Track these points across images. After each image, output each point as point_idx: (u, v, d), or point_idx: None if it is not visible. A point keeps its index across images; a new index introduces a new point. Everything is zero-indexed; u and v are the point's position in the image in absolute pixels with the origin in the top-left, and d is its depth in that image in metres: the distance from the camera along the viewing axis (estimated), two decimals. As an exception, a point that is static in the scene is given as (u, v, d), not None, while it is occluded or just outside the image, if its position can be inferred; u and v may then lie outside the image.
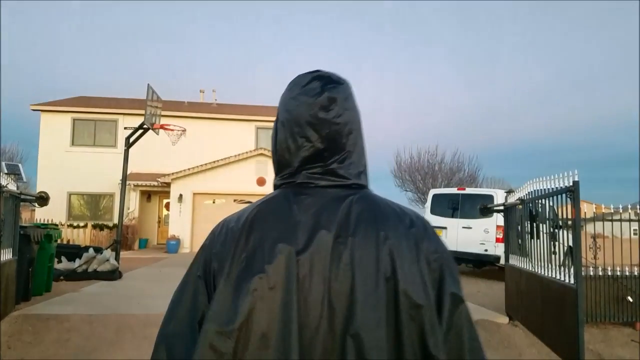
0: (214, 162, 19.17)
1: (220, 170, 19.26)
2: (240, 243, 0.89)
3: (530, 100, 63.86)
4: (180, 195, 19.00)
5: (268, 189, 19.05)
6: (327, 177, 0.96)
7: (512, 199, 6.84)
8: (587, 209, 6.77)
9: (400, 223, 0.92)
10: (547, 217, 5.65)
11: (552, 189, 5.27)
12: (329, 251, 0.87)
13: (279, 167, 1.01)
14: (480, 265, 12.54)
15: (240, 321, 0.82)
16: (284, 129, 0.99)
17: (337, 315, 0.83)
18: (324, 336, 0.83)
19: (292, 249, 0.87)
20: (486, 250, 11.41)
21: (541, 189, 5.62)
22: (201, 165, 19.12)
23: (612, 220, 7.40)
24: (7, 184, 5.94)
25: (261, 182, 18.98)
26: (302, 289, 0.85)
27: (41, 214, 18.59)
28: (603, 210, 7.48)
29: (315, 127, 0.95)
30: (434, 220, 12.88)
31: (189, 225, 18.95)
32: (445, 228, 12.47)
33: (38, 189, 18.80)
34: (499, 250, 10.85)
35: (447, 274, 0.90)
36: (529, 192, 6.06)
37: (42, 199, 7.32)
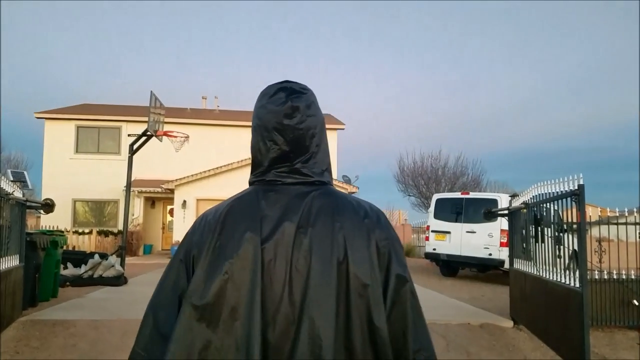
0: (216, 168, 19.23)
1: (223, 177, 19.31)
2: (215, 234, 1.05)
3: (533, 103, 63.84)
4: (184, 202, 19.05)
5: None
6: (292, 176, 1.11)
7: (517, 202, 6.85)
8: (592, 213, 6.77)
9: (355, 215, 1.07)
10: (552, 220, 5.66)
11: (557, 192, 5.28)
12: (292, 239, 1.02)
13: (252, 166, 1.18)
14: (484, 269, 12.52)
15: (211, 298, 0.98)
16: (255, 134, 1.15)
17: (296, 292, 0.99)
18: (285, 309, 0.98)
19: (258, 238, 1.02)
20: (490, 254, 11.39)
21: (546, 193, 5.63)
22: (204, 172, 19.17)
23: (617, 224, 7.39)
24: (13, 191, 5.98)
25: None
26: (268, 271, 1.00)
27: (47, 221, 18.64)
28: (608, 214, 7.48)
29: (280, 132, 1.10)
30: (438, 225, 12.88)
31: (192, 231, 18.96)
32: (449, 232, 12.47)
33: (43, 196, 18.89)
34: (503, 254, 10.83)
35: (394, 258, 1.05)
36: (533, 196, 6.07)
37: (48, 206, 7.38)
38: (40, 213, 13.06)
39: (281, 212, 1.06)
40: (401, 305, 1.03)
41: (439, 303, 8.17)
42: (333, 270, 1.00)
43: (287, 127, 1.10)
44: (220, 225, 1.06)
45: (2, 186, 5.58)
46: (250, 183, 1.19)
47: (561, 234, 5.54)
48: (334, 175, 21.56)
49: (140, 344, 1.09)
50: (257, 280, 0.99)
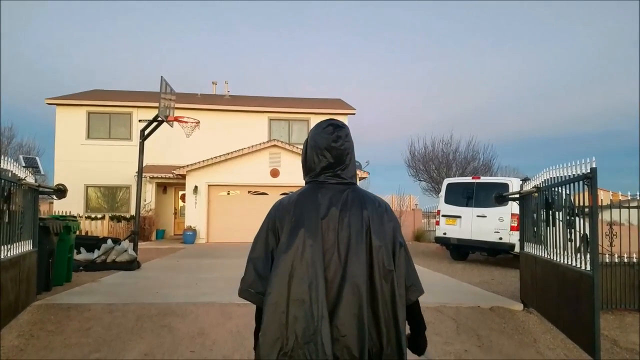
0: (227, 154, 19.27)
1: (234, 162, 19.36)
2: (290, 213, 1.72)
3: (546, 88, 62.95)
4: (196, 187, 19.15)
5: (281, 180, 19.17)
6: (335, 178, 1.80)
7: (528, 186, 6.80)
8: (604, 197, 6.70)
9: (373, 204, 1.77)
10: (564, 204, 5.61)
11: (569, 176, 5.23)
12: (337, 217, 1.70)
13: (308, 170, 1.85)
14: (495, 253, 12.50)
15: (292, 251, 1.65)
16: (311, 151, 1.84)
17: (342, 250, 1.67)
18: (335, 259, 1.66)
19: (319, 216, 1.70)
20: (501, 238, 11.37)
21: (558, 177, 5.58)
22: (215, 157, 19.23)
23: (628, 208, 7.33)
24: (26, 177, 6.04)
25: (275, 173, 19.05)
26: (324, 236, 1.68)
27: (59, 206, 18.88)
28: (620, 198, 7.40)
29: (329, 150, 1.80)
30: (448, 209, 12.85)
31: (204, 216, 19.12)
32: (459, 217, 12.44)
33: (55, 182, 19.07)
34: (513, 238, 10.80)
35: (397, 232, 1.78)
36: (545, 180, 6.02)
37: (60, 192, 7.44)
38: (52, 199, 13.20)
39: (329, 201, 1.74)
40: (400, 258, 1.75)
41: (449, 287, 8.18)
42: (362, 237, 1.69)
43: (333, 148, 1.80)
44: (293, 207, 1.74)
45: (14, 172, 5.64)
46: (307, 182, 1.86)
47: (573, 218, 5.50)
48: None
49: (246, 284, 1.72)
50: (318, 242, 1.66)
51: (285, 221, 1.72)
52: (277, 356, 1.59)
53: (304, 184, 1.87)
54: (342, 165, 1.81)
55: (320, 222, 1.69)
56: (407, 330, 1.85)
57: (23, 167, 6.34)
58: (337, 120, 1.88)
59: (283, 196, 1.86)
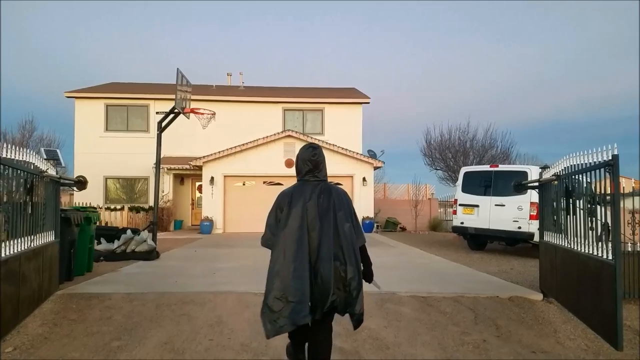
0: (242, 144, 19.32)
1: (249, 153, 19.41)
2: (288, 198, 3.19)
3: (566, 74, 61.76)
4: (212, 178, 19.27)
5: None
6: (314, 178, 3.24)
7: (547, 174, 6.69)
8: (625, 184, 6.57)
9: (337, 191, 3.26)
10: (584, 192, 5.52)
11: (590, 163, 5.13)
12: (315, 200, 3.15)
13: (298, 173, 3.30)
14: (513, 242, 12.37)
15: (290, 219, 3.11)
16: (300, 162, 3.28)
17: (319, 217, 3.11)
18: (316, 222, 3.10)
19: (304, 201, 3.14)
20: (519, 227, 11.25)
21: (578, 164, 5.48)
22: (231, 148, 19.30)
23: (651, 195, 7.19)
24: (47, 169, 6.13)
25: (289, 164, 19.04)
26: (308, 210, 3.12)
27: (79, 198, 19.18)
28: (642, 185, 7.25)
29: (310, 162, 3.24)
30: (466, 198, 12.74)
31: (220, 206, 19.25)
32: (477, 206, 12.33)
33: (75, 174, 19.35)
34: (532, 227, 10.68)
35: (350, 206, 3.26)
36: (565, 167, 5.92)
37: (81, 183, 7.53)
38: (73, 190, 13.41)
39: (311, 191, 3.18)
40: (353, 224, 3.19)
41: (467, 276, 8.13)
42: (330, 209, 3.13)
43: (312, 160, 3.24)
44: (290, 196, 3.18)
45: (36, 164, 5.73)
46: (298, 180, 3.29)
47: (594, 206, 5.40)
48: (359, 150, 21.56)
49: (264, 239, 3.22)
50: (304, 216, 3.09)
51: (285, 203, 3.19)
52: (274, 276, 3.05)
53: (310, 179, 3.31)
54: (317, 170, 3.26)
55: (306, 203, 3.14)
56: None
57: (44, 159, 6.42)
58: (314, 143, 3.44)
59: (285, 188, 3.34)
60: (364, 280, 3.18)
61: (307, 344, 3.24)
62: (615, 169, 4.61)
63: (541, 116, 57.98)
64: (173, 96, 11.96)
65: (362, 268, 3.16)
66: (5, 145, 4.70)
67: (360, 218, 19.31)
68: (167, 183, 21.27)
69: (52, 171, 6.35)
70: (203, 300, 5.89)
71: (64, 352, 4.23)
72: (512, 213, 11.40)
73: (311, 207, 3.09)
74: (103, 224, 16.88)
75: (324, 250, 2.99)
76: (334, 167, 19.67)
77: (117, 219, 19.05)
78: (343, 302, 3.03)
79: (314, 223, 3.06)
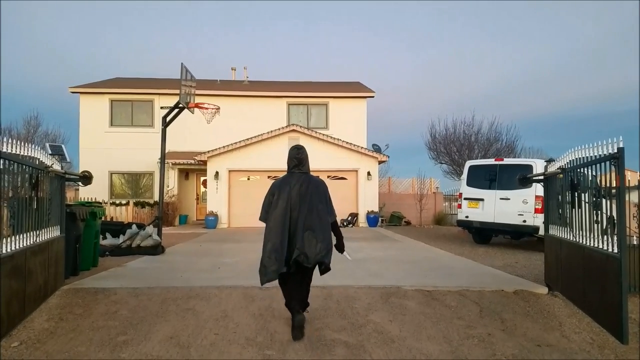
0: (247, 139, 19.33)
1: (254, 147, 19.42)
2: (279, 187, 4.58)
3: (569, 66, 61.35)
4: (217, 173, 19.30)
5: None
6: (299, 171, 4.64)
7: (552, 168, 6.66)
8: (631, 178, 6.54)
9: (316, 181, 4.65)
10: (589, 186, 5.48)
11: (595, 156, 5.10)
12: (298, 188, 4.50)
13: (287, 167, 4.69)
14: (518, 236, 12.35)
15: (280, 202, 4.47)
16: (289, 159, 4.71)
17: (300, 201, 4.46)
18: (296, 206, 4.44)
19: (289, 188, 4.51)
20: (524, 221, 11.22)
21: (583, 157, 5.44)
22: (235, 143, 19.31)
23: (658, 188, 7.14)
24: (52, 164, 6.15)
25: (295, 157, 19.07)
26: (292, 196, 4.46)
27: (85, 193, 19.28)
28: (648, 178, 7.21)
29: (296, 158, 4.68)
30: (471, 192, 12.70)
31: (225, 201, 19.29)
32: (482, 200, 12.29)
33: (80, 169, 19.42)
34: (537, 220, 10.65)
35: (326, 193, 4.67)
36: (570, 161, 5.88)
37: (86, 178, 7.56)
38: (78, 185, 13.46)
39: (295, 181, 4.56)
40: (327, 205, 4.63)
41: (472, 270, 8.12)
42: (309, 195, 4.49)
43: (297, 157, 4.67)
44: (280, 185, 4.59)
45: (41, 159, 5.74)
46: (287, 172, 4.67)
47: (599, 199, 5.37)
48: (364, 144, 21.51)
49: (262, 216, 4.60)
50: (289, 200, 4.45)
51: (276, 189, 4.52)
52: (266, 243, 4.38)
53: (295, 171, 4.63)
54: (301, 165, 4.61)
55: (290, 190, 4.44)
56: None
57: (49, 154, 6.44)
58: (299, 144, 4.75)
59: (277, 179, 4.65)
60: (337, 251, 4.72)
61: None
62: (620, 162, 4.58)
63: (546, 110, 57.66)
64: (177, 91, 11.96)
65: (331, 237, 4.48)
66: (10, 141, 4.72)
67: (364, 212, 19.49)
68: (172, 178, 21.33)
69: (57, 166, 6.37)
70: (208, 295, 5.91)
71: (70, 347, 4.26)
72: (517, 207, 11.37)
73: (294, 193, 4.44)
74: (108, 219, 16.95)
75: (300, 224, 4.34)
76: (339, 161, 19.67)
77: (123, 214, 19.13)
78: (314, 257, 4.30)
79: (296, 204, 4.40)
